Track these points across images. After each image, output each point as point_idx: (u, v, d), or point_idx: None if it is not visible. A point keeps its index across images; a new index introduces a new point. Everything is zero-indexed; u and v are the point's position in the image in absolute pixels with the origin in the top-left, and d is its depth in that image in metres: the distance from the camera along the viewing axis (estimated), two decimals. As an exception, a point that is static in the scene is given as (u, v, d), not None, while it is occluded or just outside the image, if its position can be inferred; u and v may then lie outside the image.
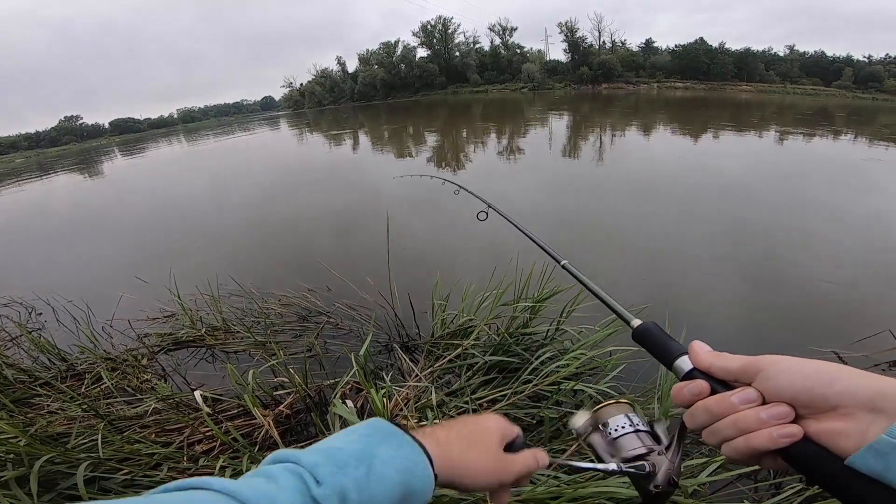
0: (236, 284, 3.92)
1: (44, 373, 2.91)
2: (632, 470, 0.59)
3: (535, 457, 0.63)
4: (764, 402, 0.45)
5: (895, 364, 2.72)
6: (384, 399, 1.85)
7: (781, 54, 55.11)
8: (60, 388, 2.59)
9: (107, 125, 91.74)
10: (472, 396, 2.09)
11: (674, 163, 9.73)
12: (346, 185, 9.44)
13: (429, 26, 62.18)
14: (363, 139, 20.17)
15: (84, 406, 2.24)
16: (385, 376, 2.37)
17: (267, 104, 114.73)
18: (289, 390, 2.30)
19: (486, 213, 1.76)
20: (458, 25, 62.94)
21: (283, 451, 0.48)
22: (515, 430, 0.65)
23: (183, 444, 2.00)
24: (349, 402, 1.80)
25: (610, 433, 0.62)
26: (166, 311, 3.83)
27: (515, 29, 62.14)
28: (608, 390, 2.11)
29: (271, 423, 1.98)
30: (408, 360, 2.61)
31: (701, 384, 0.49)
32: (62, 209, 11.49)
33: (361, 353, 2.30)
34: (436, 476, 0.53)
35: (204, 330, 3.36)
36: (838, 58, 53.01)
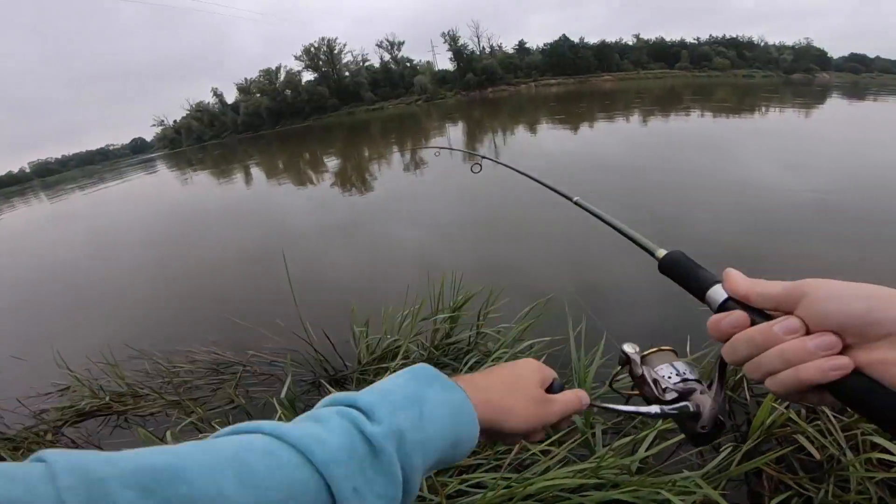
0: (132, 350, 3.61)
1: None
2: (675, 412, 0.59)
3: (577, 396, 0.64)
4: (808, 332, 0.41)
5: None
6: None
7: (631, 43, 61.77)
8: None
9: (-61, 190, 78.90)
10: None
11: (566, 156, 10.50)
12: (238, 227, 9.00)
13: (312, 49, 61.22)
14: (255, 172, 19.30)
15: None
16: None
17: (138, 147, 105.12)
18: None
19: (480, 166, 1.91)
20: (345, 45, 62.62)
21: (338, 394, 0.49)
22: (552, 373, 0.65)
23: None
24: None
25: (654, 378, 0.62)
26: (59, 385, 3.47)
27: (403, 43, 63.49)
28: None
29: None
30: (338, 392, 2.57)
31: (740, 315, 0.45)
32: None
33: (283, 395, 2.24)
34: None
35: (108, 398, 3.09)
36: (675, 42, 60.96)
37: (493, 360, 2.30)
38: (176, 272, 6.73)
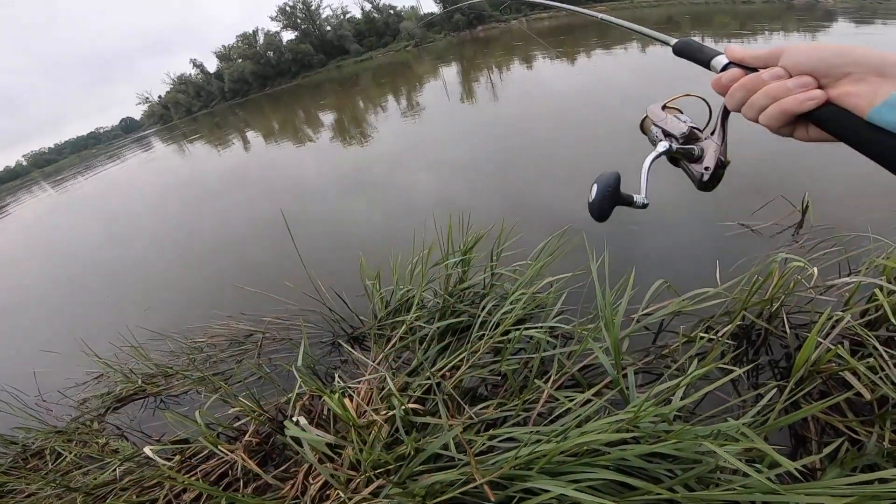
0: (154, 332, 3.65)
1: (2, 459, 2.73)
2: (682, 149, 0.70)
3: None
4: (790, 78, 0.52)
5: (800, 226, 2.97)
6: (343, 400, 1.82)
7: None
8: (25, 471, 2.42)
9: (-61, 193, 79.39)
10: (433, 369, 2.08)
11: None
12: (241, 192, 8.84)
13: (287, 8, 59.03)
14: (252, 136, 18.89)
15: (54, 484, 2.09)
16: (338, 375, 2.32)
17: (128, 126, 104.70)
18: (248, 418, 2.22)
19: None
20: (321, 0, 59.86)
21: None
22: None
23: (169, 498, 1.91)
24: (302, 420, 1.75)
25: (664, 124, 0.75)
26: (92, 373, 3.55)
27: (384, -10, 60.17)
28: (557, 325, 2.15)
29: (244, 456, 1.90)
30: (358, 351, 2.57)
31: (736, 70, 0.57)
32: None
33: (299, 362, 2.23)
34: None
35: (140, 380, 3.15)
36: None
37: (511, 302, 2.23)
38: (187, 247, 6.72)
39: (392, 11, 60.54)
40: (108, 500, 1.96)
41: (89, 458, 2.47)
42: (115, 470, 2.18)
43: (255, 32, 62.19)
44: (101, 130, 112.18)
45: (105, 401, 3.13)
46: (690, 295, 2.13)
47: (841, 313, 1.77)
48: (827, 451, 1.42)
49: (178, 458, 2.14)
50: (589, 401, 1.62)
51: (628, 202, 0.71)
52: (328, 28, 60.74)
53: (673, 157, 0.74)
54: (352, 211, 5.83)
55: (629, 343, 2.08)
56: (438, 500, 1.38)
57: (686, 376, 1.48)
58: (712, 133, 0.69)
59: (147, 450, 1.98)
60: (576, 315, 2.31)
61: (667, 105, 0.79)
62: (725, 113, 0.65)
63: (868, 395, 1.54)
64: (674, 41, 0.72)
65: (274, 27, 61.31)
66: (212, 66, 67.57)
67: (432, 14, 59.08)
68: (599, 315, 1.92)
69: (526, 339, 2.16)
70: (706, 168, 0.68)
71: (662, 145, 0.72)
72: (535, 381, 1.86)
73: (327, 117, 16.78)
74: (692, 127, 0.72)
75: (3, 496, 2.31)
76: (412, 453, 1.58)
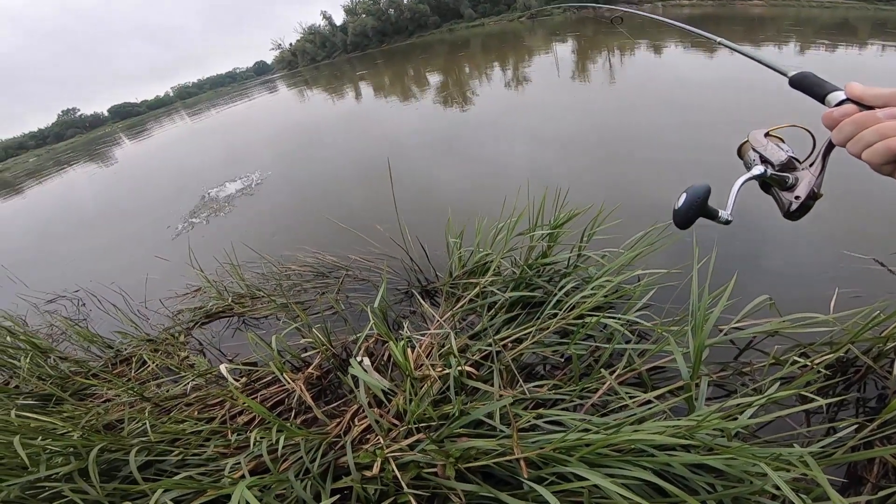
0: (252, 253, 3.92)
1: (95, 362, 3.04)
2: (777, 175, 0.72)
3: None
4: None
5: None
6: (406, 350, 1.82)
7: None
8: (111, 375, 2.70)
9: (106, 113, 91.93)
10: (496, 337, 2.03)
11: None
12: (350, 138, 9.21)
13: (412, -34, 59.32)
14: (364, 89, 19.48)
15: (131, 391, 2.31)
16: (406, 325, 2.35)
17: (261, 69, 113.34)
18: (316, 350, 2.32)
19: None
20: (444, -39, 59.50)
21: None
22: None
23: (226, 418, 2.05)
24: (366, 361, 1.78)
25: (763, 150, 0.76)
26: (192, 286, 3.90)
27: (505, -44, 58.20)
28: (637, 320, 1.99)
29: (302, 387, 1.99)
30: (428, 305, 2.57)
31: (851, 106, 0.57)
32: (81, 200, 11.66)
33: (376, 304, 2.26)
34: None
35: (231, 299, 3.41)
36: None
37: (592, 288, 2.09)
38: (293, 179, 7.18)
39: (512, -22, 58.36)
40: (171, 413, 2.12)
41: (168, 370, 2.73)
42: (187, 384, 2.37)
43: (383, -12, 63.46)
44: (238, 71, 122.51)
45: (196, 315, 3.42)
46: (793, 317, 1.91)
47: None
48: (881, 494, 1.35)
49: (244, 379, 2.30)
50: (649, 402, 1.55)
51: (713, 216, 0.74)
52: (447, -10, 60.34)
53: (765, 183, 0.76)
54: (447, 169, 5.82)
55: (709, 353, 1.89)
56: (470, 465, 1.38)
57: (763, 396, 1.37)
58: (811, 165, 0.69)
59: (222, 367, 2.13)
60: (659, 314, 2.13)
61: (770, 133, 0.78)
62: (829, 147, 0.65)
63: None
64: (792, 73, 0.71)
65: (399, -16, 61.55)
66: (339, 18, 70.89)
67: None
68: (689, 318, 1.75)
69: (600, 326, 2.05)
70: (797, 197, 0.69)
71: (758, 169, 0.74)
72: (602, 370, 1.75)
73: (434, 78, 16.76)
74: (791, 157, 0.72)
75: (85, 398, 2.59)
76: (457, 414, 1.57)
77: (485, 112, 8.88)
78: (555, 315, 2.07)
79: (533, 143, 6.23)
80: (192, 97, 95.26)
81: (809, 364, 1.72)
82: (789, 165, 0.71)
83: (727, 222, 0.74)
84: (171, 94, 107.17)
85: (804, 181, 0.68)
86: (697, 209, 0.72)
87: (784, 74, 0.73)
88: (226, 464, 1.66)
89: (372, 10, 63.36)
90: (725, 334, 1.91)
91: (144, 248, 5.62)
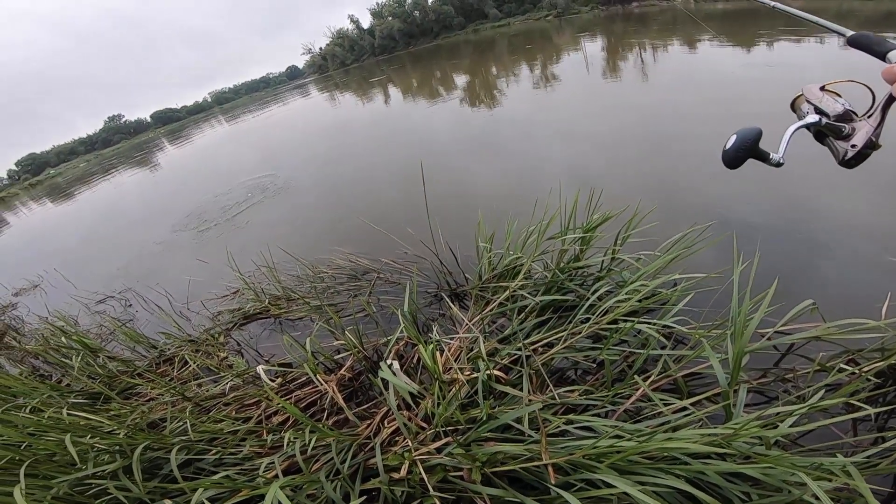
0: (287, 256, 4.02)
1: (140, 362, 3.18)
2: (832, 124, 0.72)
3: None
4: None
5: None
6: (435, 353, 1.83)
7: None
8: (154, 375, 2.82)
9: (149, 118, 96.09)
10: (526, 341, 2.01)
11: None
12: (380, 141, 9.31)
13: (434, -33, 59.78)
14: (393, 91, 19.66)
15: (173, 391, 2.40)
16: (436, 328, 2.35)
17: (293, 73, 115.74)
18: (348, 352, 2.35)
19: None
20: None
21: None
22: None
23: (261, 418, 2.10)
24: (395, 364, 1.79)
25: (818, 102, 0.76)
26: (231, 288, 4.03)
27: (529, -48, 57.79)
28: (674, 325, 1.93)
29: (335, 389, 2.02)
30: (457, 308, 2.57)
31: None
32: (125, 203, 12.22)
33: (405, 308, 2.28)
34: None
35: (267, 301, 3.50)
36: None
37: (627, 293, 2.03)
38: (328, 182, 7.26)
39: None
40: (210, 413, 2.20)
41: (208, 370, 2.82)
42: (225, 384, 2.44)
43: (407, -9, 64.03)
44: (271, 76, 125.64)
45: (235, 316, 3.53)
46: (841, 322, 1.82)
47: None
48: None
49: (279, 380, 2.36)
50: (684, 409, 1.51)
51: (764, 157, 0.75)
52: (470, -10, 60.35)
53: (820, 133, 0.76)
54: (479, 170, 5.80)
55: (749, 359, 1.83)
56: (497, 469, 1.38)
57: (805, 405, 1.31)
58: (869, 117, 0.70)
59: (260, 368, 2.19)
60: (697, 318, 2.06)
61: (825, 87, 0.78)
62: (890, 100, 0.66)
63: None
64: (850, 33, 0.73)
65: (423, -14, 62.10)
66: (365, 22, 71.74)
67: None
68: (728, 324, 1.69)
69: (634, 332, 1.99)
70: (853, 146, 0.69)
71: (812, 117, 0.74)
72: (635, 376, 1.71)
73: (461, 79, 16.75)
74: (848, 109, 0.72)
75: (130, 397, 2.71)
76: (485, 418, 1.56)
77: (515, 111, 8.81)
78: (587, 319, 2.03)
79: (565, 141, 6.14)
80: (229, 102, 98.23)
81: (857, 371, 1.64)
82: (845, 117, 0.71)
83: (779, 164, 0.75)
84: (209, 100, 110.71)
85: (862, 131, 0.69)
86: (748, 150, 0.72)
87: (843, 35, 0.74)
88: (260, 463, 1.71)
89: (397, 12, 64.20)
90: (768, 339, 1.84)
91: (185, 252, 5.85)
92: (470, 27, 59.22)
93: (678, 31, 17.90)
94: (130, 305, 4.69)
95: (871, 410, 1.42)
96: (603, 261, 2.46)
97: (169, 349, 3.24)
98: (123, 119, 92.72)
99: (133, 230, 8.48)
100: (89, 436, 1.80)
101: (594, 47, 17.38)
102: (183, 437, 1.90)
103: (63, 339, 3.50)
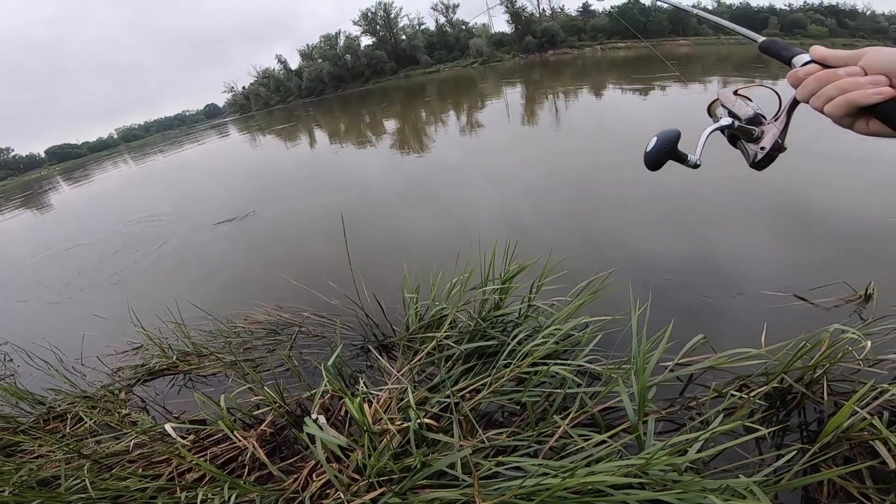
0: (198, 310, 3.81)
1: (25, 418, 2.85)
2: (744, 127, 0.77)
3: None
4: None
5: (866, 301, 2.74)
6: (363, 405, 1.84)
7: (711, 7, 56.30)
8: (42, 431, 2.56)
9: (42, 154, 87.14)
10: (454, 389, 2.08)
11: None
12: (303, 189, 9.19)
13: (369, 14, 61.85)
14: (319, 135, 19.66)
15: (67, 448, 2.18)
16: (363, 381, 2.34)
17: (211, 112, 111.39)
18: (269, 408, 2.27)
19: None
20: (401, 9, 62.80)
21: None
22: None
23: (173, 475, 1.96)
24: (321, 419, 1.78)
25: (731, 106, 0.81)
26: (133, 343, 3.72)
27: (458, 5, 62.47)
28: (586, 364, 2.10)
29: (255, 445, 1.94)
30: (385, 359, 2.59)
31: (814, 66, 0.62)
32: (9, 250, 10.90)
33: (330, 363, 2.27)
34: None
35: (175, 357, 3.28)
36: (762, 8, 55.27)
37: (543, 336, 2.20)
38: (245, 232, 7.00)
39: (464, 27, 61.85)
40: (113, 470, 2.02)
41: (108, 427, 2.58)
42: (129, 442, 2.26)
43: (338, 35, 65.09)
44: (187, 113, 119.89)
45: (137, 372, 3.27)
46: (729, 353, 2.10)
47: (888, 386, 1.75)
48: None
49: (192, 437, 2.22)
50: (603, 442, 1.63)
51: (682, 159, 0.79)
52: (403, 37, 63.03)
53: (733, 136, 0.81)
54: (405, 218, 5.93)
55: (656, 391, 2.04)
56: None
57: (707, 430, 1.49)
58: (776, 120, 0.75)
59: (168, 426, 2.06)
60: (607, 357, 2.28)
61: (738, 92, 0.84)
62: (794, 104, 0.70)
63: (893, 465, 1.50)
64: (761, 39, 0.77)
65: (355, 31, 63.99)
66: (294, 63, 71.49)
67: (503, 33, 59.76)
68: (632, 361, 1.88)
69: (552, 373, 2.14)
70: (762, 148, 0.74)
71: (725, 120, 0.79)
72: (554, 416, 1.83)
73: (390, 124, 17.24)
74: (758, 112, 0.78)
75: (13, 455, 2.43)
76: (418, 466, 1.59)
77: (440, 158, 9.21)
78: (509, 364, 2.15)
79: (487, 189, 6.50)
80: (137, 140, 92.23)
81: (747, 396, 1.87)
82: (755, 120, 0.77)
83: (696, 166, 0.79)
84: (115, 137, 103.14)
85: (769, 134, 0.74)
86: (668, 152, 0.77)
87: (754, 41, 0.79)
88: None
89: (328, 55, 64.46)
90: (671, 370, 2.07)
91: (81, 305, 5.34)
92: (402, 72, 60.86)
93: (587, 78, 19.78)
94: (10, 360, 4.17)
95: (764, 431, 1.63)
96: (520, 308, 2.63)
97: (59, 405, 2.92)
98: (13, 153, 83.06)
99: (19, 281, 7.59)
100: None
101: (514, 94, 18.78)
102: (82, 495, 1.73)
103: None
